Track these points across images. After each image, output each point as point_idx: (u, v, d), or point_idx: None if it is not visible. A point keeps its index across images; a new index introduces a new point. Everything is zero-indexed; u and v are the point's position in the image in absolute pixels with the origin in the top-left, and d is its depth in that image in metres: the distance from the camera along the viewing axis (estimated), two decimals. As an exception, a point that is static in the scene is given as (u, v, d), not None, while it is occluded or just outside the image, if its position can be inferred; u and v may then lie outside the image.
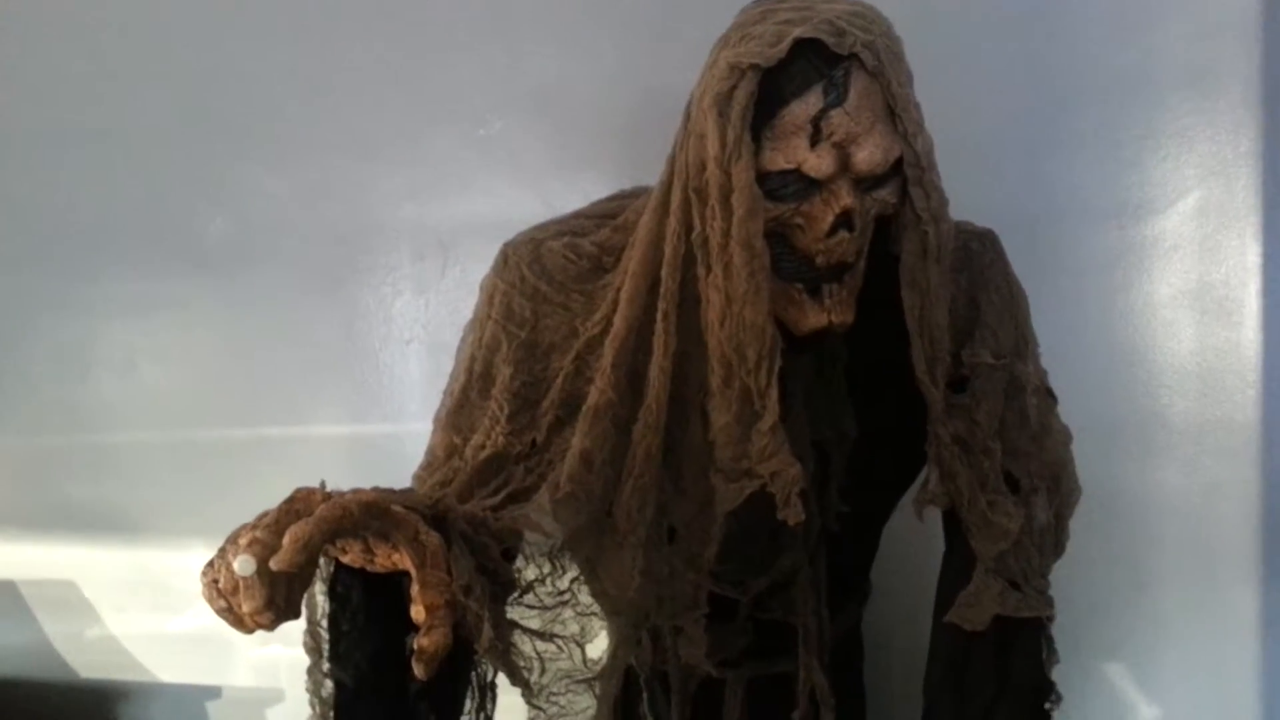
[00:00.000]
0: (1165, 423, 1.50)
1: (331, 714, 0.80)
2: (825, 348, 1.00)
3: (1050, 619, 1.06)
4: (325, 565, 0.80)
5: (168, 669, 1.72)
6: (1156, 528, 1.52)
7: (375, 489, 0.78)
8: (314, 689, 0.79)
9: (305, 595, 0.80)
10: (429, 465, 1.02)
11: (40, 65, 1.62)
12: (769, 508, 0.94)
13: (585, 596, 0.99)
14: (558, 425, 0.98)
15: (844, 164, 0.87)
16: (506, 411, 0.99)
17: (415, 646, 0.73)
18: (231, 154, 1.60)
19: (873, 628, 1.27)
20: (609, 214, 1.07)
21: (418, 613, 0.74)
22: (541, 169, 1.51)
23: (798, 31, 0.85)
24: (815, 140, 0.86)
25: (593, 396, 0.94)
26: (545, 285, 1.01)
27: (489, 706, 0.91)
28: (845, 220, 0.88)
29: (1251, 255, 1.47)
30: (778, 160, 0.87)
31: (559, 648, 0.96)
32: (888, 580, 1.26)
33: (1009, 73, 1.47)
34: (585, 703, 0.99)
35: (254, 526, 0.69)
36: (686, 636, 1.02)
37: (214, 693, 1.70)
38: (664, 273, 0.92)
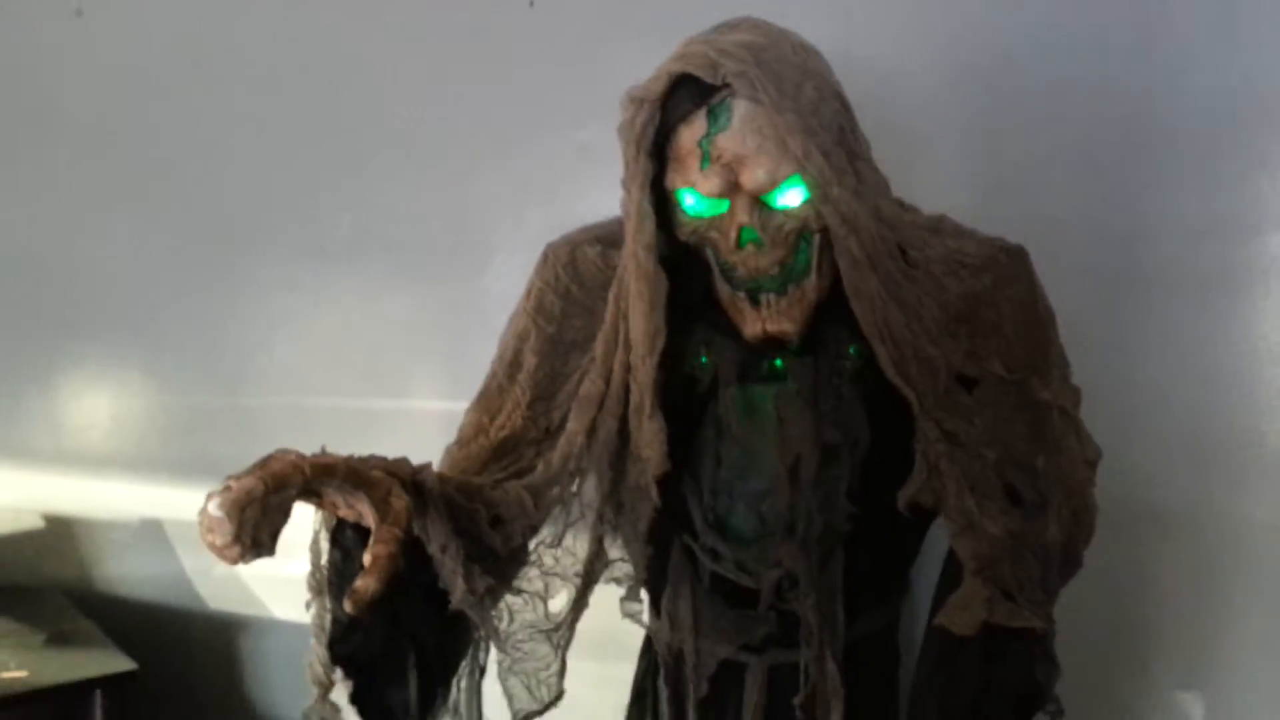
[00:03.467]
0: (1264, 449, 1.42)
1: (327, 642, 0.92)
2: (826, 352, 1.04)
3: (1048, 632, 1.06)
4: (329, 518, 0.92)
5: (280, 606, 1.90)
6: (1246, 556, 1.44)
7: (372, 455, 0.90)
8: (316, 621, 0.92)
9: (312, 542, 0.93)
10: (459, 441, 1.13)
11: (211, 84, 1.83)
12: (759, 496, 1.03)
13: (548, 559, 1.08)
14: (568, 419, 1.07)
15: (734, 184, 0.93)
16: (528, 398, 1.09)
17: (350, 587, 0.84)
18: (356, 160, 1.76)
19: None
20: None
21: (366, 558, 0.85)
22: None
23: (673, 68, 0.93)
24: (705, 162, 0.93)
25: (584, 386, 1.04)
26: (576, 288, 1.11)
27: (482, 656, 1.03)
28: (747, 236, 0.95)
29: None
30: (676, 181, 0.95)
31: (525, 601, 1.06)
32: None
33: (1111, 94, 1.44)
34: (544, 651, 1.07)
35: (233, 475, 0.82)
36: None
37: (319, 630, 1.87)
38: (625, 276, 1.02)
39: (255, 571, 1.85)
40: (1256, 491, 1.43)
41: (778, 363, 1.06)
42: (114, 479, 1.96)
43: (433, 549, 0.88)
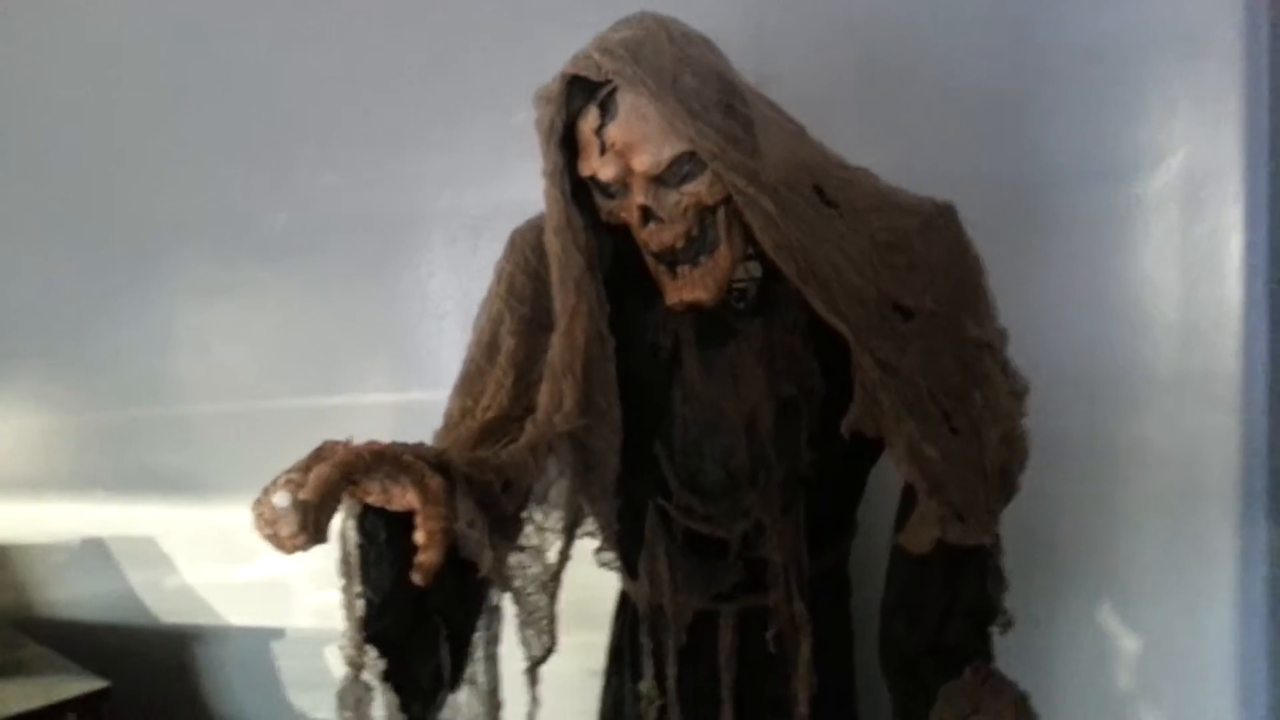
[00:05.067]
0: (1150, 374, 1.55)
1: (361, 625, 0.94)
2: (778, 311, 1.12)
3: (995, 549, 1.15)
4: (354, 505, 0.95)
5: (236, 613, 1.89)
6: (1140, 473, 1.57)
7: (393, 442, 0.93)
8: (347, 606, 0.94)
9: (340, 530, 0.96)
10: (446, 426, 1.17)
11: (126, 88, 1.78)
12: (725, 453, 1.10)
13: (538, 515, 1.13)
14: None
15: (628, 168, 1.02)
16: (511, 378, 1.14)
17: (415, 562, 0.89)
18: (287, 153, 1.74)
19: (862, 565, 1.34)
20: None
21: (419, 537, 0.90)
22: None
23: (565, 70, 1.02)
24: (602, 150, 1.02)
25: (551, 354, 1.10)
26: (544, 269, 1.14)
27: (496, 625, 1.07)
28: (648, 214, 1.04)
29: (1233, 214, 1.49)
30: (583, 169, 1.05)
31: (530, 557, 1.11)
32: (878, 520, 1.31)
33: (994, 39, 1.53)
34: (544, 601, 1.12)
35: (290, 469, 0.85)
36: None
37: (278, 634, 1.86)
38: None
39: (207, 580, 1.88)
40: (1145, 415, 1.56)
41: (736, 325, 1.13)
42: (50, 500, 1.91)
43: (460, 524, 0.92)
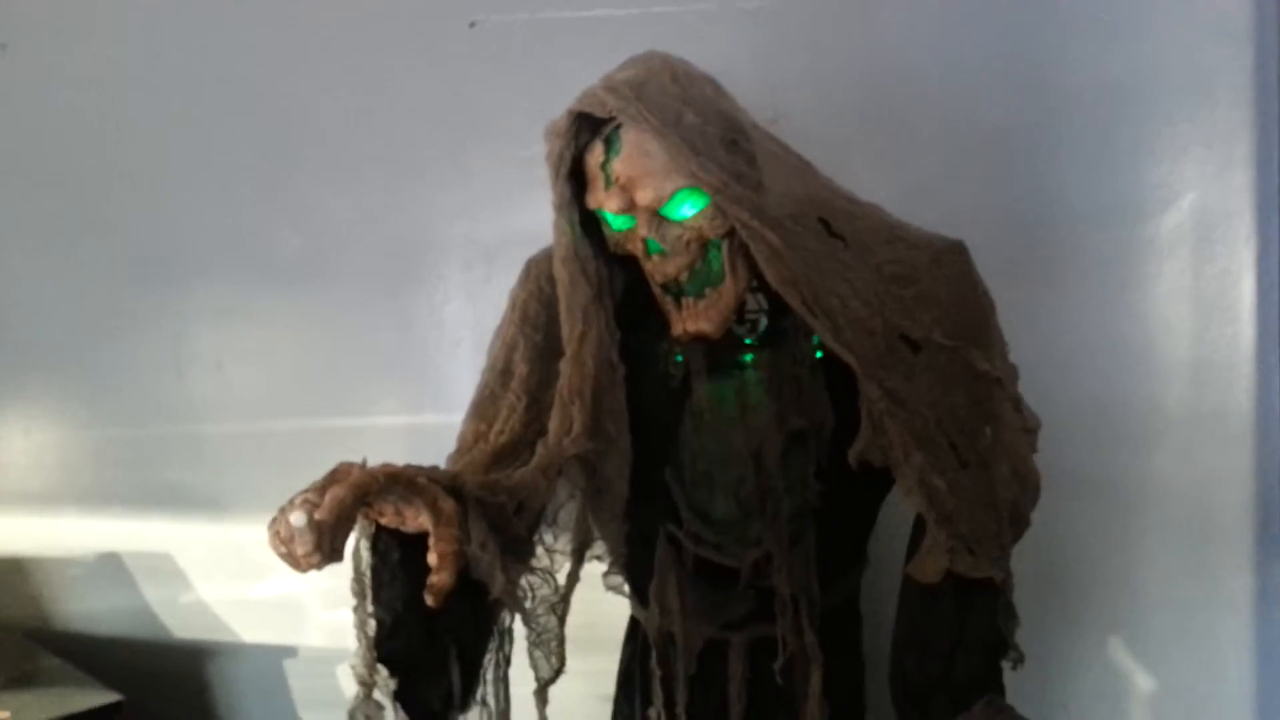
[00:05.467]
0: (1163, 413, 1.56)
1: (373, 644, 0.96)
2: (787, 343, 1.13)
3: (1006, 584, 1.15)
4: (368, 526, 0.97)
5: (250, 631, 1.90)
6: (1154, 510, 1.58)
7: (407, 465, 0.95)
8: (360, 625, 0.96)
9: (352, 551, 0.97)
10: (460, 449, 1.19)
11: (144, 111, 1.82)
12: (735, 483, 1.11)
13: (548, 537, 1.15)
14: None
15: (632, 202, 1.05)
16: (524, 403, 1.16)
17: (427, 583, 0.91)
18: (303, 179, 1.77)
19: (874, 600, 1.35)
20: None
21: (431, 559, 0.92)
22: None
23: (572, 107, 1.05)
24: (608, 184, 1.05)
25: (561, 381, 1.12)
26: (557, 297, 1.16)
27: (507, 647, 1.09)
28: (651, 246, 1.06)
29: (1245, 254, 1.52)
30: (589, 201, 1.08)
31: (541, 579, 1.13)
32: (890, 554, 1.32)
33: (1005, 81, 1.55)
34: (553, 623, 1.13)
35: (306, 490, 0.87)
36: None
37: (290, 652, 1.87)
38: None
39: (221, 597, 1.89)
40: (1159, 452, 1.58)
41: (746, 357, 1.15)
42: (66, 515, 1.93)
43: (472, 547, 0.94)
